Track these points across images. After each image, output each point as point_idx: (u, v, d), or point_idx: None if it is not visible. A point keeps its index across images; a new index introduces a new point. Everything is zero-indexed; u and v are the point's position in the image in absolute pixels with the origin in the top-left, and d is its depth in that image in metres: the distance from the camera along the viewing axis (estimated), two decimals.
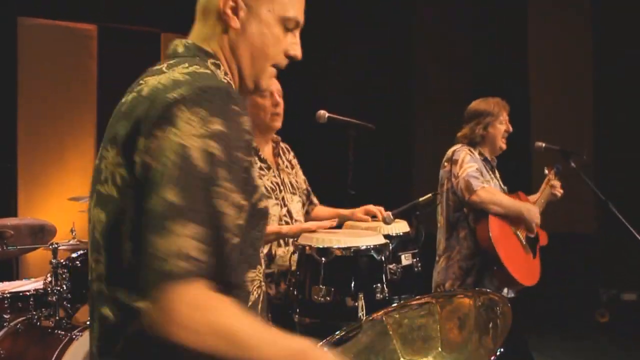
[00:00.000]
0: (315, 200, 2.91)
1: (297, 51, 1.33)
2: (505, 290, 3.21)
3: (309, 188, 2.90)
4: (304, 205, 2.83)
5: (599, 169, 6.17)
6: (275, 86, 2.61)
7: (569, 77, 6.75)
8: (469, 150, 3.30)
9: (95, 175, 1.21)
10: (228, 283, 1.10)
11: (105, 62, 5.86)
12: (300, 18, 1.32)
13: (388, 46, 7.22)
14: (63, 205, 4.13)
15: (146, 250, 1.02)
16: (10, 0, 5.36)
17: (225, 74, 1.28)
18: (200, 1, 1.33)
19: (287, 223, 2.62)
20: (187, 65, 1.20)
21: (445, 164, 3.33)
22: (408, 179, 7.31)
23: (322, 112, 2.67)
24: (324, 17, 5.99)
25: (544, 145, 3.61)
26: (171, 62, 1.23)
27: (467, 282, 3.19)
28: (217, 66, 1.27)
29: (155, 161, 1.06)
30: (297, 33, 1.34)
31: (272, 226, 2.59)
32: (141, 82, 1.21)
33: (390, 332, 1.67)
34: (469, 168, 3.19)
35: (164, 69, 1.21)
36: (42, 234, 3.44)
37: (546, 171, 3.56)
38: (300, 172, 2.86)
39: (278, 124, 2.67)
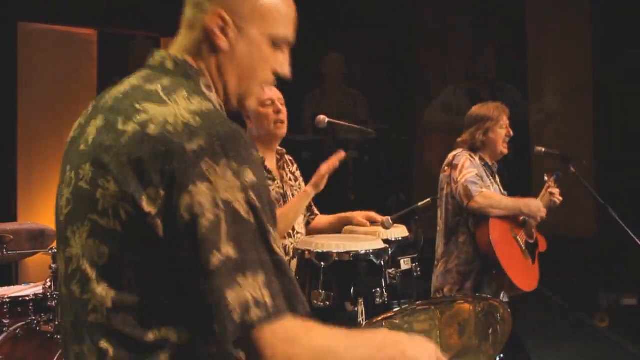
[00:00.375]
0: (315, 210, 2.91)
1: (286, 70, 1.30)
2: (501, 294, 3.21)
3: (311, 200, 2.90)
4: (305, 217, 2.83)
5: (599, 169, 6.16)
6: (275, 94, 2.60)
7: (568, 77, 6.74)
8: (470, 155, 3.30)
9: (82, 199, 1.14)
10: (304, 307, 1.13)
11: (105, 66, 5.86)
12: (291, 36, 1.29)
13: (388, 46, 7.22)
14: None
15: (221, 305, 1.05)
16: (10, 6, 5.36)
17: (217, 93, 1.25)
18: (186, 12, 1.26)
19: (288, 235, 2.63)
20: (186, 94, 1.14)
21: (446, 168, 3.32)
22: (408, 179, 7.31)
23: (321, 117, 2.66)
24: (323, 16, 6.00)
25: (543, 149, 3.61)
26: (165, 83, 1.17)
27: (465, 286, 3.19)
28: (209, 88, 1.23)
29: (198, 217, 1.05)
30: (287, 51, 1.30)
31: (291, 200, 2.58)
32: (137, 106, 1.13)
33: None
34: (469, 174, 3.19)
35: (160, 93, 1.15)
36: (42, 238, 3.44)
37: (546, 178, 3.56)
38: (303, 185, 2.86)
39: (282, 131, 2.65)
